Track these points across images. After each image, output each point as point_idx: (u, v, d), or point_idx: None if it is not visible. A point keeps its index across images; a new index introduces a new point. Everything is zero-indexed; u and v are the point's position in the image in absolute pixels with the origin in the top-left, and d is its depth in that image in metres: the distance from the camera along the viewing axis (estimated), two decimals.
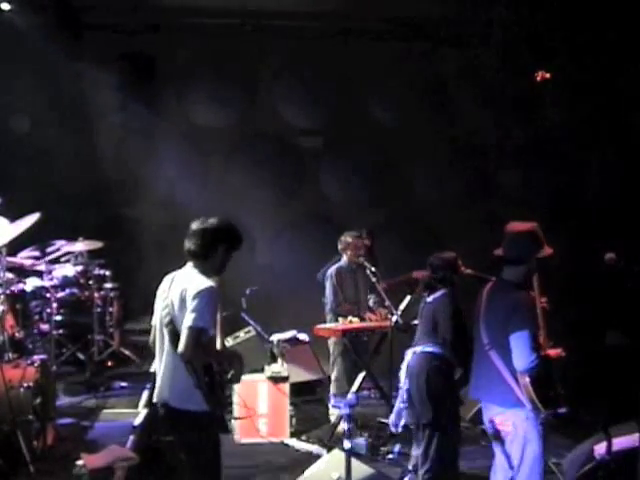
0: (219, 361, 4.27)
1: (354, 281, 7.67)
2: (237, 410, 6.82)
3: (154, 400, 4.33)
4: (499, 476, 4.62)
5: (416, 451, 5.84)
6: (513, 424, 4.39)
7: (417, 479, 5.71)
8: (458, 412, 5.86)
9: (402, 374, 5.92)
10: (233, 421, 6.71)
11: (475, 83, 10.42)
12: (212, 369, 4.16)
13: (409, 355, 5.90)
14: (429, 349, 5.74)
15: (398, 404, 5.87)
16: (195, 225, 4.30)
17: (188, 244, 4.27)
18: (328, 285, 7.55)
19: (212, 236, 4.25)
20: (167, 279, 4.33)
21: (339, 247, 7.66)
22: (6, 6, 8.87)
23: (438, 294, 5.87)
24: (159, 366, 4.29)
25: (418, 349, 5.81)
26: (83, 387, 8.19)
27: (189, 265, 4.28)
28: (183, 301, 4.11)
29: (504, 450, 4.52)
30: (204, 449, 4.16)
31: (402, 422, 5.88)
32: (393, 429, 6.04)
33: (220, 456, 4.27)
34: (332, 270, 7.59)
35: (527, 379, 4.28)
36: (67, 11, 9.61)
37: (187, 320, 4.02)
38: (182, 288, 4.16)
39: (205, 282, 4.12)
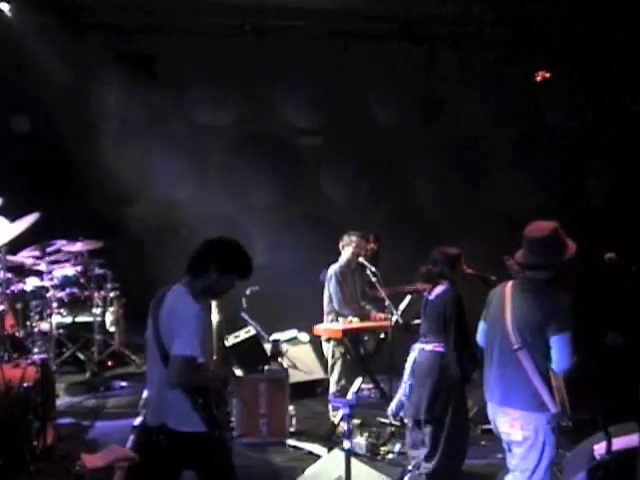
0: (214, 381, 4.18)
1: (353, 281, 7.66)
2: (237, 412, 6.80)
3: (149, 422, 4.19)
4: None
5: (415, 450, 5.86)
6: (535, 428, 4.29)
7: (419, 476, 5.74)
8: (466, 409, 5.87)
9: (407, 368, 5.94)
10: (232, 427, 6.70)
11: (475, 83, 10.42)
12: (207, 390, 4.06)
13: (416, 351, 5.92)
14: (439, 349, 5.76)
15: (400, 396, 5.92)
16: (204, 241, 4.14)
17: (189, 258, 4.12)
18: (332, 284, 7.49)
19: (205, 258, 4.06)
20: (158, 295, 4.13)
21: (341, 244, 7.62)
22: (5, 6, 8.86)
23: (440, 290, 5.86)
24: (151, 385, 4.17)
25: (428, 347, 5.83)
26: (83, 387, 8.19)
27: (182, 282, 4.09)
28: (170, 324, 3.96)
29: (521, 455, 4.39)
30: (210, 469, 4.08)
31: (401, 413, 5.93)
32: (390, 416, 6.08)
33: (231, 472, 4.19)
34: (335, 269, 7.54)
35: (561, 380, 4.25)
36: (67, 11, 9.61)
37: (175, 347, 3.88)
38: (170, 309, 4.01)
39: (191, 305, 3.94)
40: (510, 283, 4.57)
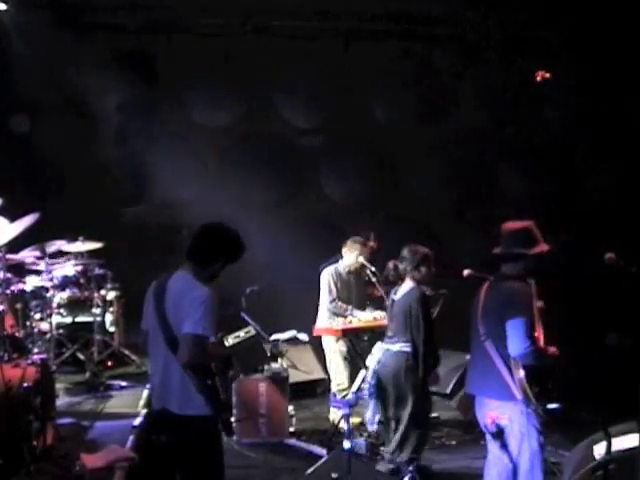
0: (218, 361, 4.24)
1: (347, 284, 7.70)
2: (236, 412, 6.81)
3: (152, 407, 4.28)
4: (494, 472, 4.63)
5: (389, 446, 5.94)
6: (509, 418, 4.42)
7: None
8: (429, 406, 6.11)
9: (370, 369, 6.01)
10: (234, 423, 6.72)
11: (475, 83, 10.42)
12: (212, 372, 4.13)
13: (380, 352, 6.00)
14: (407, 349, 5.85)
15: (369, 400, 6.06)
16: (205, 229, 4.26)
17: (192, 246, 4.23)
18: (324, 283, 7.59)
19: (216, 250, 4.21)
20: (159, 282, 4.24)
21: (344, 248, 7.65)
22: (2, 6, 8.85)
23: (406, 290, 5.92)
24: (155, 372, 4.23)
25: (394, 347, 5.92)
26: (83, 387, 8.18)
27: (184, 267, 4.20)
28: (180, 307, 4.05)
29: (501, 445, 4.52)
30: (206, 453, 4.12)
31: (376, 418, 6.01)
32: (370, 427, 6.13)
33: (222, 459, 4.25)
34: (330, 270, 7.62)
35: (521, 370, 4.33)
36: (66, 11, 9.61)
37: (186, 327, 3.97)
38: (178, 294, 4.10)
39: (201, 288, 4.07)
40: (489, 281, 4.75)
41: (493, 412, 4.49)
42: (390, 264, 6.19)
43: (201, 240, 4.25)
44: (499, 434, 4.51)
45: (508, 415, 4.43)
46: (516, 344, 4.35)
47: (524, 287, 4.50)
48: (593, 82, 10.06)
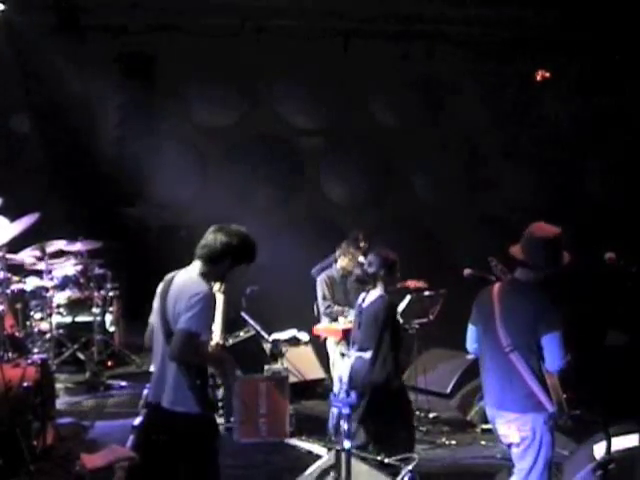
0: (211, 364, 4.27)
1: (344, 287, 7.75)
2: (236, 412, 6.81)
3: (149, 400, 4.32)
4: None
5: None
6: (532, 429, 4.29)
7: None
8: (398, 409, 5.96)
9: (345, 376, 5.96)
10: (231, 423, 6.72)
11: (475, 83, 10.42)
12: (205, 371, 4.18)
13: (352, 358, 5.95)
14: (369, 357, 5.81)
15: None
16: (214, 228, 4.28)
17: (200, 244, 4.26)
18: (318, 289, 7.74)
19: (224, 247, 4.21)
20: (167, 278, 4.30)
21: (341, 250, 7.70)
22: (1, 7, 8.85)
23: (373, 298, 5.89)
24: (155, 366, 4.29)
25: (367, 355, 5.83)
26: (83, 387, 8.19)
27: (193, 265, 4.24)
28: (179, 302, 4.08)
29: (518, 457, 4.42)
30: (198, 451, 4.12)
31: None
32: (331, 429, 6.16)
33: (217, 458, 4.25)
34: (323, 276, 7.76)
35: (556, 379, 4.26)
36: (67, 11, 9.60)
37: (180, 322, 4.02)
38: (179, 289, 4.14)
39: (202, 286, 4.09)
40: (498, 285, 4.55)
41: (514, 423, 4.34)
42: (357, 270, 6.18)
43: (209, 237, 4.26)
44: (518, 444, 4.37)
45: (530, 426, 4.30)
46: (556, 359, 4.23)
47: (549, 296, 4.30)
48: (593, 81, 10.07)
